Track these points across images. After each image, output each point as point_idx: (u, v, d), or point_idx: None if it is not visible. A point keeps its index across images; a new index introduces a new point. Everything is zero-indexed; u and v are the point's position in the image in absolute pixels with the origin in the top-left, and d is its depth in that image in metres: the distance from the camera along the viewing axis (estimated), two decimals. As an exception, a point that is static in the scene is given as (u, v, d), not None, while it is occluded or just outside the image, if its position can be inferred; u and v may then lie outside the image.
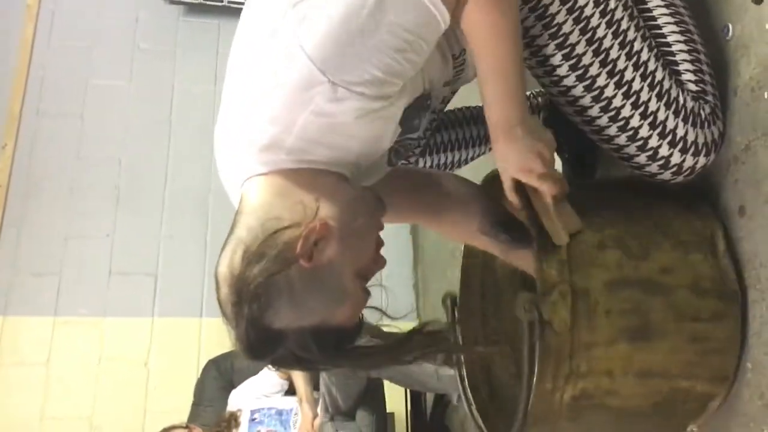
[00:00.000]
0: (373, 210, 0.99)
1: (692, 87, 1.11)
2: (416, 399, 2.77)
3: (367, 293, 0.98)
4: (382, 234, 1.00)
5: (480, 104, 1.09)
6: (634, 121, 1.09)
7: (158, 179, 3.57)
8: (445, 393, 2.39)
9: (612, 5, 1.06)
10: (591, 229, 1.05)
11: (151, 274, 3.40)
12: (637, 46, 1.08)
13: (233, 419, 2.54)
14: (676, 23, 1.14)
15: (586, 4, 1.04)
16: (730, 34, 1.14)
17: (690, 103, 1.09)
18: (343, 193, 0.94)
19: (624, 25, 1.07)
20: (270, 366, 0.99)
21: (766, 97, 1.06)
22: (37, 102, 3.65)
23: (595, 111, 1.10)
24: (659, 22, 1.14)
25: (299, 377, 2.53)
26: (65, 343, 3.27)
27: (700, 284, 1.05)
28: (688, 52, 1.13)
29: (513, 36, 0.96)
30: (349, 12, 0.84)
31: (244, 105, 0.93)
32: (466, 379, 1.25)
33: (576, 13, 1.05)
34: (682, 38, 1.13)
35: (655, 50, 1.10)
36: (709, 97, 1.12)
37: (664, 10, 1.14)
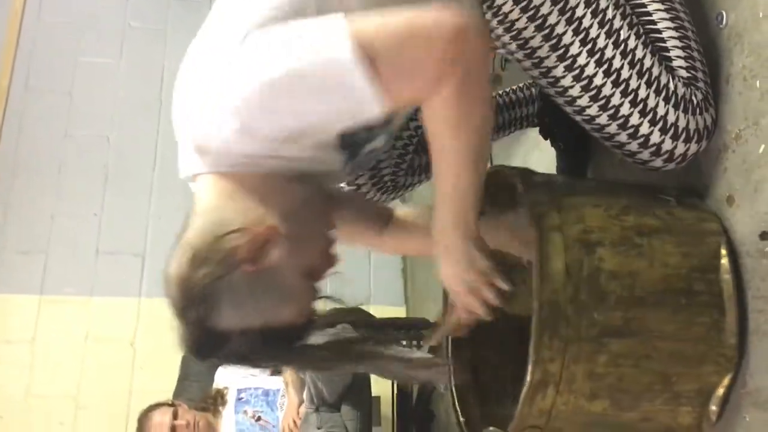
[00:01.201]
0: (323, 211, 0.99)
1: (683, 74, 1.11)
2: (402, 384, 2.78)
3: (317, 291, 0.99)
4: None
5: None
6: (624, 109, 1.09)
7: (147, 159, 3.55)
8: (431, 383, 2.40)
9: (603, 6, 1.06)
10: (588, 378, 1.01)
11: (138, 255, 3.39)
12: (624, 34, 1.08)
13: (220, 396, 2.54)
14: (666, 10, 1.14)
15: (578, 5, 1.04)
16: (724, 22, 1.14)
17: (681, 89, 1.09)
18: (290, 196, 0.93)
19: (610, 14, 1.07)
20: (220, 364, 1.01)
21: (758, 85, 1.07)
22: (25, 78, 3.61)
23: (585, 101, 1.10)
24: (649, 9, 1.14)
25: (286, 360, 2.52)
26: (51, 322, 3.26)
27: None
28: (679, 38, 1.13)
29: (477, 157, 0.94)
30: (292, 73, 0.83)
31: (185, 105, 0.94)
32: (455, 394, 1.25)
33: (561, 4, 1.05)
34: (672, 25, 1.13)
35: (644, 37, 1.10)
36: (701, 84, 1.12)
37: (659, 4, 1.14)
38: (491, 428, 1.00)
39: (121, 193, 3.49)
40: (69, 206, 3.44)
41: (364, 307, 2.94)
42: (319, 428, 2.32)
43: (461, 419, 1.20)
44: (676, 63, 1.12)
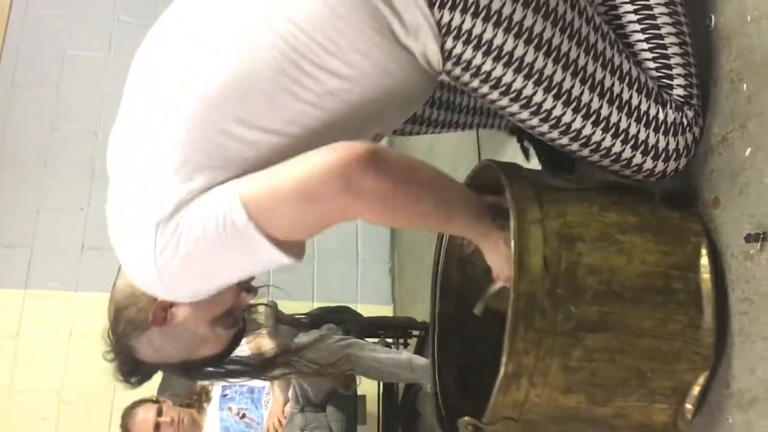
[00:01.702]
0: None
1: (680, 92, 1.11)
2: (388, 383, 2.78)
3: (234, 326, 1.11)
4: None
5: None
6: (613, 147, 1.09)
7: (135, 154, 3.52)
8: (418, 382, 2.40)
9: (583, 32, 1.02)
10: (562, 371, 1.02)
11: (125, 250, 3.36)
12: (608, 54, 1.05)
13: (204, 393, 2.53)
14: (673, 24, 1.11)
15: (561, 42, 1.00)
16: (713, 24, 1.15)
17: (671, 116, 1.08)
18: None
19: (592, 39, 1.04)
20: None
21: (745, 89, 1.07)
22: (12, 72, 3.58)
23: (555, 134, 1.09)
24: (659, 21, 1.11)
25: (272, 358, 2.52)
26: (35, 317, 3.24)
27: None
28: (681, 55, 1.11)
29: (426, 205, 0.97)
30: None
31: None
32: (439, 396, 1.25)
33: (542, 44, 1.01)
34: (677, 41, 1.11)
35: (655, 55, 1.10)
36: (694, 100, 1.11)
37: (668, 18, 1.11)
38: (465, 418, 1.00)
39: (108, 188, 3.46)
40: (55, 201, 3.41)
41: (351, 306, 2.94)
42: (302, 429, 2.31)
43: (443, 414, 1.20)
44: (676, 81, 1.10)
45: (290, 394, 2.41)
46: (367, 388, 2.85)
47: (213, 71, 0.93)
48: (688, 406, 1.05)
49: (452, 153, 2.49)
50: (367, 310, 3.09)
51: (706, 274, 1.06)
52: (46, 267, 3.31)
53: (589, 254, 1.02)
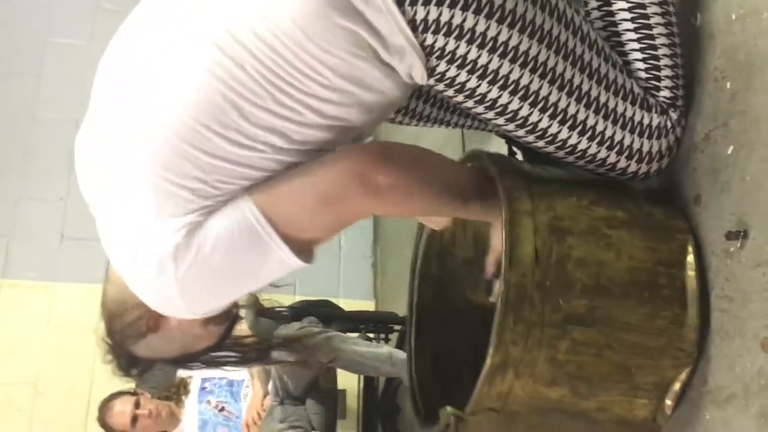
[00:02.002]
0: None
1: (666, 94, 1.11)
2: (369, 377, 2.78)
3: (227, 321, 1.14)
4: None
5: None
6: (599, 153, 1.09)
7: (116, 144, 3.49)
8: (398, 377, 2.40)
9: (571, 45, 1.02)
10: (549, 364, 1.02)
11: (104, 241, 3.33)
12: (595, 64, 1.05)
13: (183, 386, 2.52)
14: (665, 24, 1.11)
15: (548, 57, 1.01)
16: (699, 22, 1.15)
17: (656, 120, 1.09)
18: None
19: (580, 47, 1.04)
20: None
21: (728, 87, 1.07)
22: (-8, 59, 3.54)
23: (541, 144, 1.09)
24: (651, 21, 1.11)
25: (252, 351, 2.50)
26: (12, 307, 3.20)
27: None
28: (671, 57, 1.11)
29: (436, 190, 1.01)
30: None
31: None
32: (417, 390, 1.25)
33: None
34: (667, 41, 1.10)
35: (647, 62, 1.10)
36: (679, 102, 1.11)
37: (663, 29, 1.11)
38: (448, 408, 1.00)
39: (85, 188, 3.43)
40: (34, 190, 3.37)
41: (333, 300, 2.93)
42: (281, 422, 2.30)
43: (419, 404, 1.20)
44: (664, 83, 1.10)
45: (270, 387, 2.40)
46: (348, 382, 2.85)
47: (178, 104, 0.93)
48: (668, 402, 1.06)
49: (438, 145, 2.49)
50: (349, 304, 3.09)
51: (691, 272, 1.06)
52: (24, 257, 3.28)
53: (579, 248, 1.02)
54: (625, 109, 1.07)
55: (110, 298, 1.09)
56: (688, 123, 1.14)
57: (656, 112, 1.09)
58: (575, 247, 1.02)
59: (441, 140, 2.45)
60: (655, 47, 1.10)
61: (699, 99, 1.14)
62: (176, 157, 0.91)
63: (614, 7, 1.11)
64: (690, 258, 1.07)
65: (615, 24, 1.11)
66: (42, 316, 3.20)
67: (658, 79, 1.11)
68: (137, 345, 1.10)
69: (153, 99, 0.94)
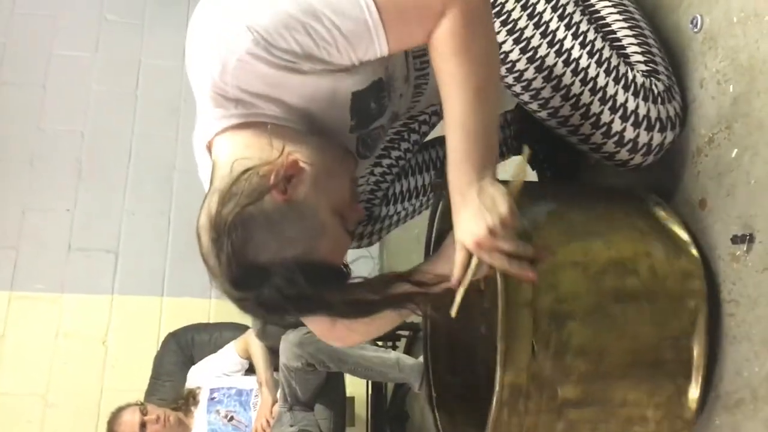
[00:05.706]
0: (342, 156, 1.01)
1: (642, 67, 1.14)
2: (377, 384, 2.78)
3: (351, 235, 1.00)
4: None
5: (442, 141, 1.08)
6: (595, 107, 1.12)
7: (122, 154, 3.50)
8: (406, 382, 2.39)
9: (563, 2, 1.14)
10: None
11: (111, 251, 3.34)
12: (591, 35, 1.14)
13: (192, 396, 2.52)
14: (619, 12, 1.18)
15: (539, 1, 1.13)
16: (699, 25, 1.14)
17: (640, 79, 1.12)
18: (309, 140, 0.96)
19: (576, 18, 1.14)
20: (256, 312, 0.95)
21: (731, 90, 1.07)
22: (-2, 71, 3.55)
23: (557, 101, 1.13)
24: (598, 6, 1.19)
25: (259, 360, 2.51)
26: (21, 319, 3.21)
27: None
28: (634, 36, 1.16)
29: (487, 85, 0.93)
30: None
31: (195, 57, 0.97)
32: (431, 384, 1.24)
33: (530, 9, 1.13)
34: (626, 25, 1.17)
35: (608, 40, 1.15)
36: (662, 76, 1.14)
37: (611, 9, 1.19)
38: None
39: (94, 189, 3.44)
40: (41, 201, 3.38)
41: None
42: (291, 426, 2.30)
43: (434, 395, 1.19)
44: (633, 58, 1.15)
45: (278, 393, 2.40)
46: (356, 390, 2.84)
47: None
48: None
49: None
50: (356, 310, 3.07)
51: (700, 339, 1.03)
52: (31, 268, 3.28)
53: (580, 333, 0.99)
54: (622, 67, 1.13)
55: (225, 175, 0.92)
56: (690, 126, 1.14)
57: (638, 73, 1.13)
58: (576, 334, 0.98)
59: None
60: (613, 31, 1.18)
61: (702, 102, 1.13)
62: None
63: (599, 5, 1.20)
64: (700, 325, 1.03)
65: (607, 24, 1.18)
66: (51, 327, 3.20)
67: (627, 56, 1.16)
68: (258, 210, 0.88)
69: None
